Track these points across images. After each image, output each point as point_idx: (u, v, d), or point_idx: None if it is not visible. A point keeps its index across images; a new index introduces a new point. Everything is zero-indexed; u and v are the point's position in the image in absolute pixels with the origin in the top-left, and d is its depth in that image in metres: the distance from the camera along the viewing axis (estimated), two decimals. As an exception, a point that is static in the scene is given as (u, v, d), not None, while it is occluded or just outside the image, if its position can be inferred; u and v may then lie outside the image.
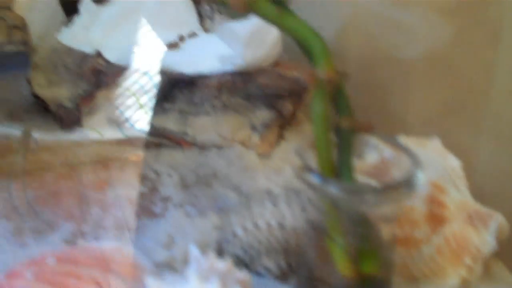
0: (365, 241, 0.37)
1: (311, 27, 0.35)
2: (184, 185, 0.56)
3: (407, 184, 0.35)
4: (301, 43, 0.36)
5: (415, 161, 0.36)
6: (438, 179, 0.42)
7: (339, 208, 0.36)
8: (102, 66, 0.62)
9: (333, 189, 0.35)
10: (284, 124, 0.62)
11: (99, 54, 0.64)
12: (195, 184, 0.57)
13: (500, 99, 0.55)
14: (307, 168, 0.36)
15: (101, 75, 0.63)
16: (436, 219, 0.41)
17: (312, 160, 0.37)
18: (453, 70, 0.62)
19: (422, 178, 0.35)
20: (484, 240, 0.40)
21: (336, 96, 0.38)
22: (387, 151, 0.39)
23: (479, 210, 0.41)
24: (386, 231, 0.37)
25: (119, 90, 0.62)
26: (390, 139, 0.39)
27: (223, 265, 0.37)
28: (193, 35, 0.75)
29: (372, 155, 0.39)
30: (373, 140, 0.39)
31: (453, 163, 0.44)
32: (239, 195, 0.53)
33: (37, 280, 0.38)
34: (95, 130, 0.62)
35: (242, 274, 0.37)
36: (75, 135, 0.62)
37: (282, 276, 0.42)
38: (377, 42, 0.68)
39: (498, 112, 0.55)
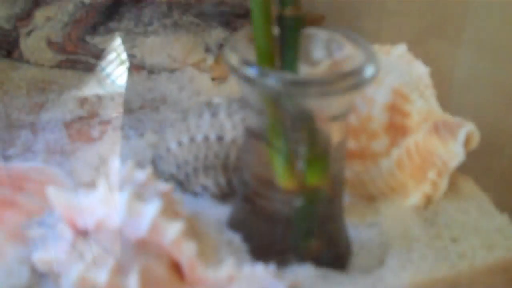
0: (311, 146, 0.31)
1: None
2: (128, 109, 0.51)
3: (357, 73, 0.29)
4: None
5: (369, 53, 0.31)
6: (401, 86, 0.36)
7: (280, 106, 0.30)
8: (41, -18, 0.56)
9: (273, 81, 0.29)
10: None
11: (37, -32, 0.57)
12: (140, 108, 0.52)
13: (480, 10, 0.50)
14: (243, 61, 0.30)
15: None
16: (397, 129, 0.36)
17: (251, 56, 0.31)
18: None
19: (375, 69, 0.29)
20: (451, 152, 0.35)
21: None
22: (339, 50, 0.33)
23: (447, 119, 0.36)
24: (335, 134, 0.32)
25: (60, 8, 0.56)
26: (343, 31, 0.33)
27: (142, 174, 0.31)
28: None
29: (321, 56, 0.33)
30: (323, 33, 0.33)
31: (420, 70, 0.38)
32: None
33: None
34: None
35: (165, 186, 0.32)
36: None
37: (221, 195, 0.37)
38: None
39: (478, 24, 0.50)
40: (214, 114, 0.37)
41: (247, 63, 0.30)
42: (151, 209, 0.29)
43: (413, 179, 0.36)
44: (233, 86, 0.54)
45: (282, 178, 0.32)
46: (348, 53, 0.33)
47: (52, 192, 0.29)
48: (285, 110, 0.30)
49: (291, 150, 0.31)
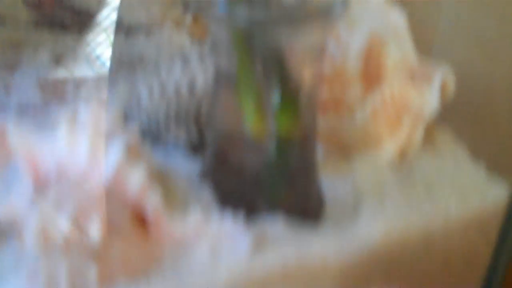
0: (281, 91, 0.30)
1: None
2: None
3: (327, 10, 0.28)
4: None
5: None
6: (377, 33, 0.35)
7: (249, 44, 0.29)
8: None
9: (240, 14, 0.28)
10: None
11: None
12: (116, 71, 0.50)
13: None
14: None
15: None
16: (372, 78, 0.35)
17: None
18: None
19: (344, 7, 0.28)
20: (426, 100, 0.34)
21: None
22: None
23: (423, 66, 0.35)
24: (307, 75, 0.31)
25: None
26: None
27: (109, 117, 0.30)
28: None
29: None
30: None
31: (397, 15, 0.37)
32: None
33: None
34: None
35: (131, 129, 0.31)
36: None
37: (193, 148, 0.36)
38: None
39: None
40: (185, 61, 0.36)
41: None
42: (114, 153, 0.28)
43: (387, 129, 0.35)
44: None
45: (252, 124, 0.31)
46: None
47: (14, 136, 0.28)
48: (254, 49, 0.29)
49: (261, 94, 0.30)
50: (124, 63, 0.52)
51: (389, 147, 0.35)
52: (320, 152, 0.35)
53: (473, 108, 0.36)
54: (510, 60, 0.36)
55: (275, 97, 0.30)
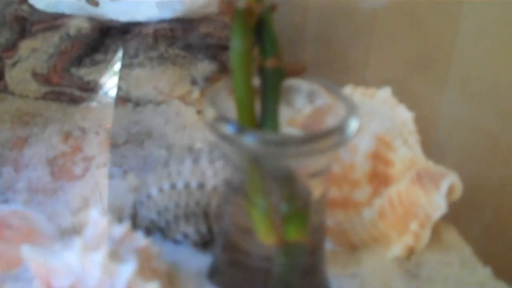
0: (290, 203, 0.31)
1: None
2: (112, 144, 0.50)
3: (337, 131, 0.29)
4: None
5: (350, 107, 0.31)
6: (385, 133, 0.36)
7: (259, 164, 0.30)
8: (26, 13, 0.56)
9: (251, 141, 0.29)
10: (228, 77, 0.56)
11: (23, 0, 0.57)
12: (124, 143, 0.51)
13: (465, 53, 0.50)
14: (221, 117, 0.30)
15: (26, 23, 0.56)
16: (380, 178, 0.36)
17: (231, 108, 0.31)
18: (418, 22, 0.57)
19: (356, 125, 0.29)
20: (433, 203, 0.34)
21: (261, 31, 0.32)
22: (320, 99, 0.33)
23: (430, 168, 0.36)
24: (316, 190, 0.31)
25: (45, 40, 0.55)
26: (324, 83, 0.33)
27: (120, 230, 0.31)
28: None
29: (303, 104, 0.33)
30: (304, 85, 0.33)
31: (404, 115, 0.38)
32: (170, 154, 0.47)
33: None
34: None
35: (143, 241, 0.31)
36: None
37: (202, 243, 0.37)
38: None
39: (462, 67, 0.50)
40: (195, 161, 0.37)
41: (225, 119, 0.30)
42: (126, 270, 0.28)
43: (395, 230, 0.35)
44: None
45: (261, 234, 0.31)
46: (329, 102, 0.33)
47: (27, 251, 0.29)
48: (264, 168, 0.30)
49: (270, 206, 0.31)
50: (132, 134, 0.53)
51: (396, 246, 0.35)
52: (329, 248, 0.35)
53: (480, 209, 0.37)
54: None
55: (284, 207, 0.31)
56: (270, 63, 0.32)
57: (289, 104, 0.34)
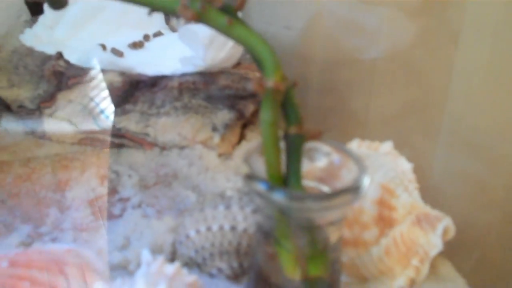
0: (312, 245, 0.37)
1: (260, 36, 0.35)
2: (144, 186, 0.57)
3: (353, 190, 0.35)
4: (251, 52, 0.36)
5: (361, 167, 0.37)
6: (389, 182, 0.43)
7: (286, 215, 0.37)
8: (63, 68, 0.62)
9: (280, 197, 0.35)
10: (245, 124, 0.62)
11: (60, 56, 0.63)
12: (154, 184, 0.57)
13: (458, 100, 0.56)
14: (253, 176, 0.36)
15: (62, 76, 0.63)
16: (385, 221, 0.42)
17: (262, 167, 0.37)
18: (414, 71, 0.62)
19: (367, 183, 0.35)
20: (431, 242, 0.41)
21: (285, 104, 0.38)
22: (335, 156, 0.39)
23: (428, 212, 0.42)
24: (333, 234, 0.38)
25: (80, 92, 0.62)
26: (338, 145, 0.39)
27: (172, 268, 0.37)
28: (158, 34, 0.75)
29: (321, 160, 0.39)
30: (322, 146, 0.40)
31: (405, 166, 0.44)
32: (198, 195, 0.53)
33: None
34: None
35: (191, 277, 0.37)
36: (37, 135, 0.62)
37: (234, 276, 0.43)
38: (340, 43, 0.69)
39: (455, 114, 0.56)
40: (227, 207, 0.43)
41: (257, 178, 0.36)
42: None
43: (399, 265, 0.42)
44: (237, 161, 0.60)
45: (288, 270, 0.38)
46: (341, 159, 0.39)
47: (98, 288, 0.35)
48: (291, 218, 0.36)
49: (295, 247, 0.37)
50: (161, 176, 0.59)
51: (400, 278, 0.42)
52: (344, 280, 0.42)
53: (471, 246, 0.44)
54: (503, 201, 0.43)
55: (307, 249, 0.37)
56: (293, 130, 0.38)
57: (310, 160, 0.40)
